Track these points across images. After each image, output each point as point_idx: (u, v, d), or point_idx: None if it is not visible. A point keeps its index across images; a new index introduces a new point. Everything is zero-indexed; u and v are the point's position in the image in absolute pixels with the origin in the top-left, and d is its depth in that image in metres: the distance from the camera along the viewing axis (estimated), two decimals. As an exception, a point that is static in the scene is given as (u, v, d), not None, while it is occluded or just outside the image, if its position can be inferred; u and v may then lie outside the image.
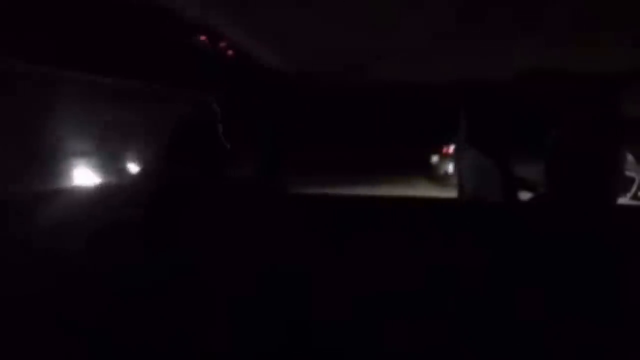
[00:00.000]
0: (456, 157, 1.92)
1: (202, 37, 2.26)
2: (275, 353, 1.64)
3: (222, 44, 2.27)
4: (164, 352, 1.65)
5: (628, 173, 3.26)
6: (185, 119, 2.50)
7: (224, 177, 2.54)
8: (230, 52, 2.26)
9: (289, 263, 1.97)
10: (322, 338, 1.73)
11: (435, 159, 3.21)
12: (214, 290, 2.03)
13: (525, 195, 1.91)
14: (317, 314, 1.84)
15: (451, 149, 3.19)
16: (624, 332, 1.66)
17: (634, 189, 3.37)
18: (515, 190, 1.81)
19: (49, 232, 2.20)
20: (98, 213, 2.40)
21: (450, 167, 3.23)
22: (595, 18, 2.01)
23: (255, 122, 2.40)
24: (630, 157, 3.26)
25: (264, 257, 2.02)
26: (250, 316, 1.87)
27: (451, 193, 3.26)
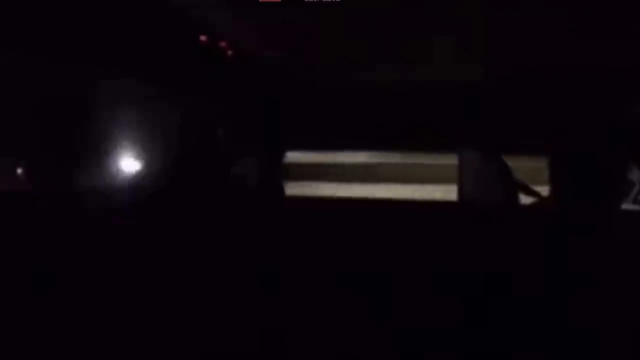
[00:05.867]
0: (459, 161, 1.92)
1: (203, 37, 2.25)
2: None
3: (222, 44, 2.26)
4: (164, 351, 1.63)
5: (630, 176, 3.26)
6: (188, 122, 2.49)
7: (224, 179, 2.53)
8: (230, 52, 2.25)
9: (282, 264, 1.96)
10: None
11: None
12: (211, 290, 2.00)
13: (526, 200, 1.91)
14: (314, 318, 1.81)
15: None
16: (623, 333, 1.65)
17: (634, 192, 3.36)
18: (517, 195, 1.81)
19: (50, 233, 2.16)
20: (97, 215, 2.37)
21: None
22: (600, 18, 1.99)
23: (254, 123, 2.39)
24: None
25: (259, 258, 2.01)
26: (247, 316, 1.85)
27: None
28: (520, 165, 1.95)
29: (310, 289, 1.96)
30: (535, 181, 1.98)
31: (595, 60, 1.89)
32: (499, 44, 1.88)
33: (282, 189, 2.19)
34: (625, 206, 3.19)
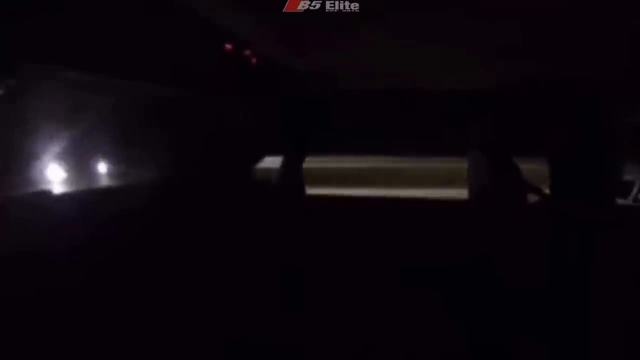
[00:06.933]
0: (468, 162, 1.99)
1: (228, 45, 2.37)
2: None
3: (247, 52, 2.38)
4: (166, 350, 1.74)
5: (629, 176, 3.34)
6: (216, 123, 2.59)
7: (249, 178, 2.63)
8: (254, 60, 2.37)
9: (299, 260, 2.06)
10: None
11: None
12: (228, 287, 2.12)
13: (532, 198, 2.00)
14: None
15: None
16: (621, 328, 1.76)
17: (634, 191, 3.45)
18: (526, 194, 1.89)
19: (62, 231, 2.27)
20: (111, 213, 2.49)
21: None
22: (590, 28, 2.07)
23: (277, 125, 2.48)
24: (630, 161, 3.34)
25: (277, 254, 2.13)
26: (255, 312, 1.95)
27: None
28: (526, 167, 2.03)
29: (332, 281, 2.08)
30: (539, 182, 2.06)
31: (594, 72, 1.97)
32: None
33: (302, 188, 2.29)
34: (626, 204, 3.29)
